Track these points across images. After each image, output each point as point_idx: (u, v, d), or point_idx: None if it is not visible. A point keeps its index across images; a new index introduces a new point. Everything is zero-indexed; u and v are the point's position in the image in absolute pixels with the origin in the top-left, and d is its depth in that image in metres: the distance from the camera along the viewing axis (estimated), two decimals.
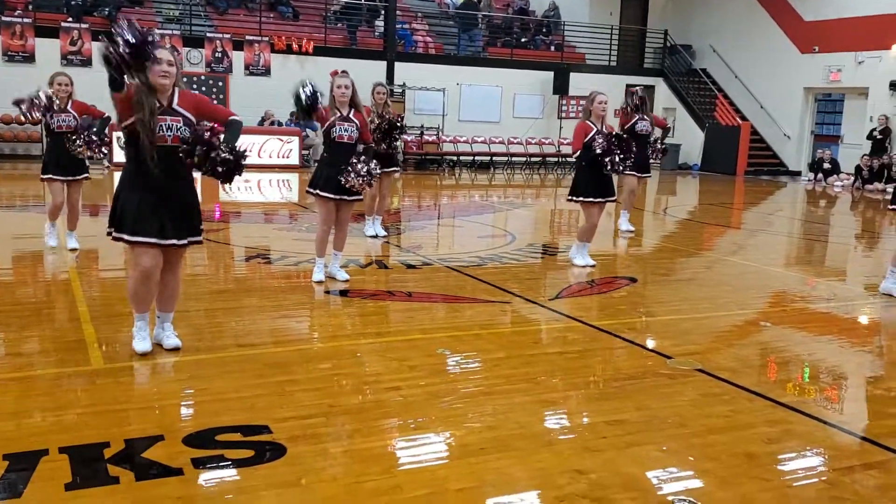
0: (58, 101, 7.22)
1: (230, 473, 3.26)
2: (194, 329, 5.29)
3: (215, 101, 19.55)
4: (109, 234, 4.50)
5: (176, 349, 4.72)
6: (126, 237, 4.42)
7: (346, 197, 6.50)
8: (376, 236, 9.23)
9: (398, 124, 8.68)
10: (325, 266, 6.77)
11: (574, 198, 7.74)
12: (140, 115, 4.27)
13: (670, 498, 3.16)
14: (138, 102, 4.27)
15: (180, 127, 4.39)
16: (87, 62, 18.29)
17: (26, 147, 18.22)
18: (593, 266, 7.77)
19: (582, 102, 22.34)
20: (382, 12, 21.59)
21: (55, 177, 7.46)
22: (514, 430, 3.77)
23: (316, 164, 6.68)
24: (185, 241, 4.56)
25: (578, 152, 7.51)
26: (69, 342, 4.93)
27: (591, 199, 7.62)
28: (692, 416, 4.06)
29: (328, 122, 6.42)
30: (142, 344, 4.62)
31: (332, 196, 6.47)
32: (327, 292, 6.53)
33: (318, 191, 6.49)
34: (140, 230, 4.39)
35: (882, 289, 7.05)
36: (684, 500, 3.14)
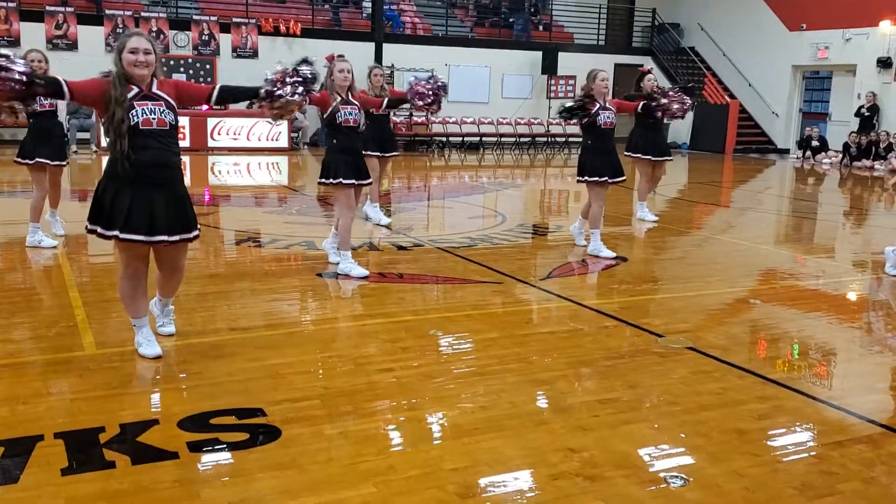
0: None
1: (226, 456, 3.28)
2: (186, 313, 5.28)
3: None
4: (93, 231, 4.20)
5: (170, 335, 4.72)
6: (120, 235, 4.14)
7: (363, 181, 6.47)
8: (378, 223, 9.15)
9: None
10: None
11: (582, 178, 7.46)
12: (113, 106, 4.07)
13: (662, 475, 3.20)
14: (112, 95, 4.09)
15: (163, 110, 4.16)
16: (72, 46, 18.15)
17: (13, 132, 18.08)
18: (614, 257, 7.42)
19: (571, 82, 22.26)
20: None
21: (43, 160, 7.23)
22: (507, 410, 3.80)
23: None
24: (177, 238, 4.24)
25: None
26: (61, 328, 4.93)
27: (597, 179, 7.37)
28: (683, 393, 4.10)
29: (331, 108, 6.26)
30: (151, 348, 4.36)
31: (354, 182, 6.40)
32: (318, 275, 6.53)
33: (339, 179, 6.31)
34: (132, 226, 4.12)
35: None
36: (676, 477, 3.18)
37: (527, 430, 3.59)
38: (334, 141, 6.43)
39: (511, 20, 23.81)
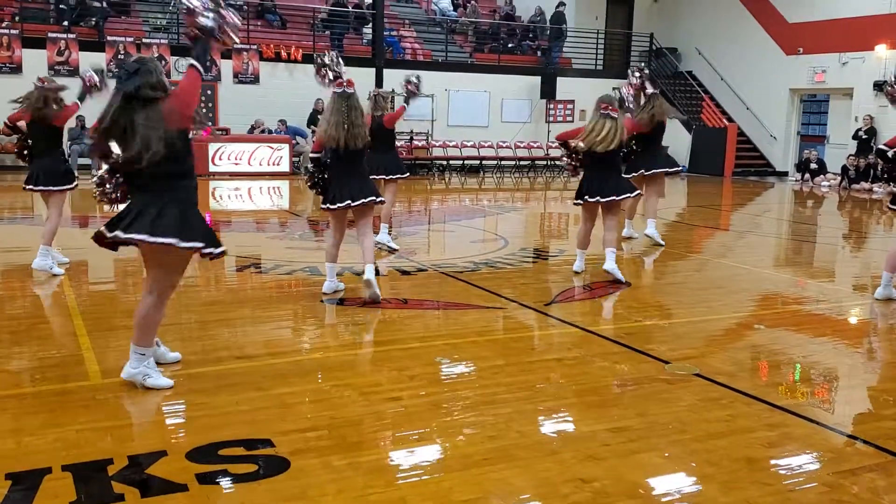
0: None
1: (235, 488, 3.26)
2: (191, 342, 5.27)
3: (204, 110, 19.40)
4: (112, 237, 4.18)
5: (176, 361, 4.73)
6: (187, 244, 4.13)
7: (366, 200, 6.52)
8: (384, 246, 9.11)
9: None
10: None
11: (582, 200, 7.46)
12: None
13: None
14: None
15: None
16: (74, 72, 18.15)
17: (14, 157, 18.09)
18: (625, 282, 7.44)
19: (570, 107, 22.31)
20: (370, 19, 21.62)
21: (48, 188, 7.29)
22: (517, 440, 3.79)
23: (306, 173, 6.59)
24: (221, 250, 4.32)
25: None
26: (66, 357, 4.91)
27: (598, 199, 7.36)
28: (692, 421, 4.08)
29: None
30: (163, 379, 4.35)
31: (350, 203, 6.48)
32: (322, 301, 6.52)
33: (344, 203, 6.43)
34: (190, 236, 4.13)
35: (878, 295, 6.94)
36: None
37: (537, 459, 3.57)
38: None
39: (548, 48, 23.96)
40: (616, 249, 7.52)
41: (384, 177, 8.76)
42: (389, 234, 9.30)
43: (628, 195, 7.60)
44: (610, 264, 7.37)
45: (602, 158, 7.32)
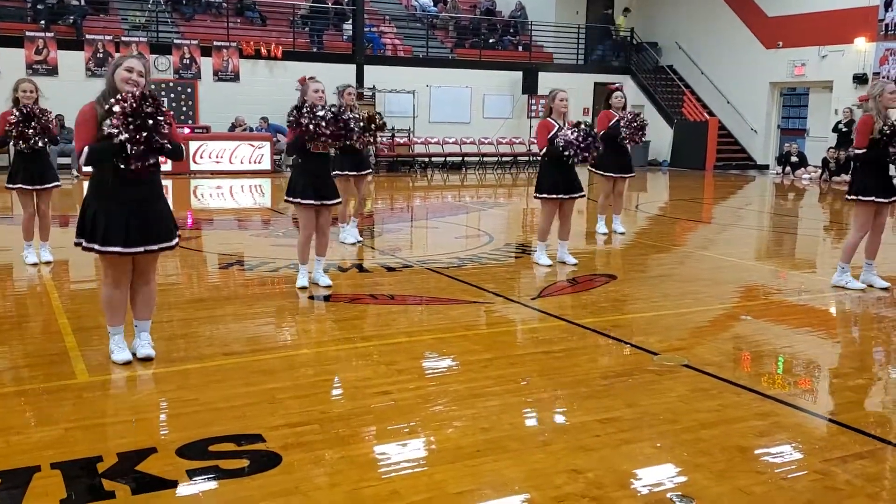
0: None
1: (226, 484, 3.23)
2: (178, 339, 5.24)
3: (184, 108, 19.20)
4: (79, 244, 4.50)
5: (148, 359, 4.69)
6: (97, 247, 4.43)
7: (326, 202, 6.50)
8: (354, 243, 9.11)
9: (376, 120, 8.85)
10: (308, 272, 6.74)
11: (538, 195, 7.80)
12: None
13: (668, 495, 3.19)
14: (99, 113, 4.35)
15: None
16: (52, 71, 18.05)
17: None
18: (549, 266, 7.84)
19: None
20: (350, 15, 21.55)
21: (25, 186, 7.29)
22: (508, 431, 3.78)
23: (290, 171, 6.60)
24: (155, 248, 4.54)
25: (545, 149, 7.56)
26: (52, 356, 4.85)
27: (553, 196, 7.67)
28: (682, 411, 4.09)
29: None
30: (121, 354, 4.64)
31: (313, 203, 6.45)
32: (310, 297, 6.50)
33: (297, 199, 6.46)
34: (109, 240, 4.40)
35: (833, 281, 7.26)
36: (682, 497, 3.16)
37: (529, 451, 3.56)
38: (299, 161, 6.55)
39: (599, 48, 24.34)
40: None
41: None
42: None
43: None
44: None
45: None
